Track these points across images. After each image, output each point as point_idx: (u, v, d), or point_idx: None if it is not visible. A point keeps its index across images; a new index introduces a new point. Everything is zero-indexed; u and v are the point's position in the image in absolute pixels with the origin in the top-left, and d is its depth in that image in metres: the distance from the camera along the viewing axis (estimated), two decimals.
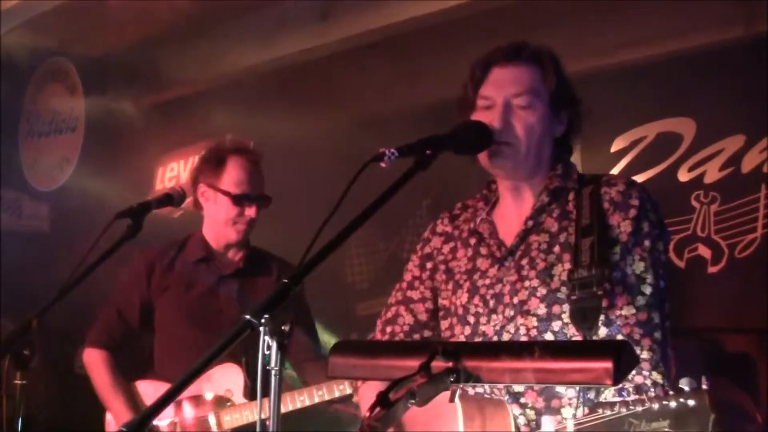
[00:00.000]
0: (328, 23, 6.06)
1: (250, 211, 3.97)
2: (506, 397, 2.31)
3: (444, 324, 2.58)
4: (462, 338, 2.47)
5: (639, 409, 1.39)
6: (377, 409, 1.59)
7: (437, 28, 5.70)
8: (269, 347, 1.81)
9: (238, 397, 3.91)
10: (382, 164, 2.18)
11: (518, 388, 2.30)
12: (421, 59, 5.77)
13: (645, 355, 2.18)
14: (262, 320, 1.80)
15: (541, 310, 2.34)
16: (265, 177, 4.10)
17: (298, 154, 6.07)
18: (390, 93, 5.96)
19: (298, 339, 4.03)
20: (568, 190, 2.47)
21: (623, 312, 2.23)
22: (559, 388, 2.25)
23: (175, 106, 7.37)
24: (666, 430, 1.35)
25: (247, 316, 1.81)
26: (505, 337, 2.34)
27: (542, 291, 2.34)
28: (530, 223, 2.46)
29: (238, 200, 3.96)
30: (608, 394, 2.17)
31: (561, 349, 1.38)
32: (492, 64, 2.53)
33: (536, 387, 2.26)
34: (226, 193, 3.97)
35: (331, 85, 6.16)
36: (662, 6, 4.87)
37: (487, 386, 2.33)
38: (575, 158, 5.42)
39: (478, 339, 2.41)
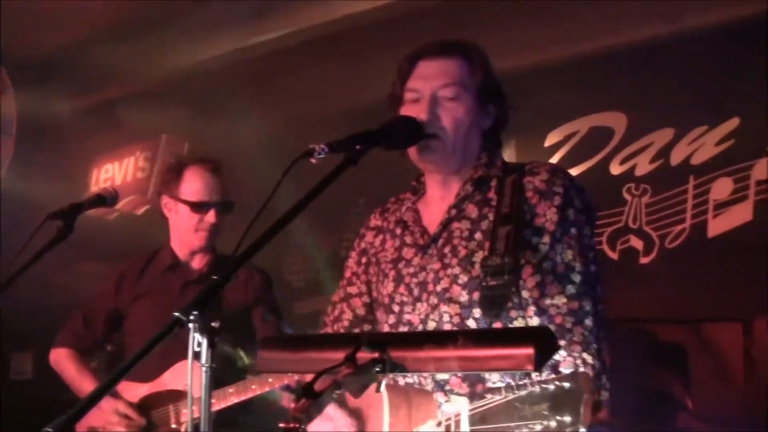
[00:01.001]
0: (263, 22, 6.04)
1: (210, 217, 4.05)
2: (431, 385, 2.32)
3: (377, 315, 2.60)
4: (387, 327, 2.48)
5: (523, 393, 1.42)
6: (302, 401, 1.61)
7: (373, 26, 5.72)
8: (200, 344, 1.80)
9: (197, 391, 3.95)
10: (313, 160, 2.18)
11: (443, 375, 2.31)
12: (358, 56, 5.78)
13: (576, 338, 2.20)
14: (191, 317, 1.80)
15: (463, 297, 2.34)
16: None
17: (235, 154, 6.05)
18: (327, 91, 5.96)
19: (266, 321, 4.12)
20: (491, 178, 2.48)
21: (554, 301, 2.25)
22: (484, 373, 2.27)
23: (110, 106, 7.28)
24: (545, 412, 1.38)
25: (176, 314, 1.81)
26: (430, 325, 2.35)
27: (464, 278, 2.35)
28: (453, 211, 2.47)
29: (197, 208, 4.05)
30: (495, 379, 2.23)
31: (484, 337, 1.40)
32: (419, 58, 2.53)
33: (459, 374, 2.27)
34: (185, 202, 4.07)
35: (266, 84, 6.15)
36: (593, 4, 4.96)
37: (415, 376, 2.34)
38: (510, 153, 5.53)
39: (403, 328, 2.43)
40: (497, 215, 2.35)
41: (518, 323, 2.29)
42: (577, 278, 2.28)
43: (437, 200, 2.55)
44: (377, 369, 1.56)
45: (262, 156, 5.80)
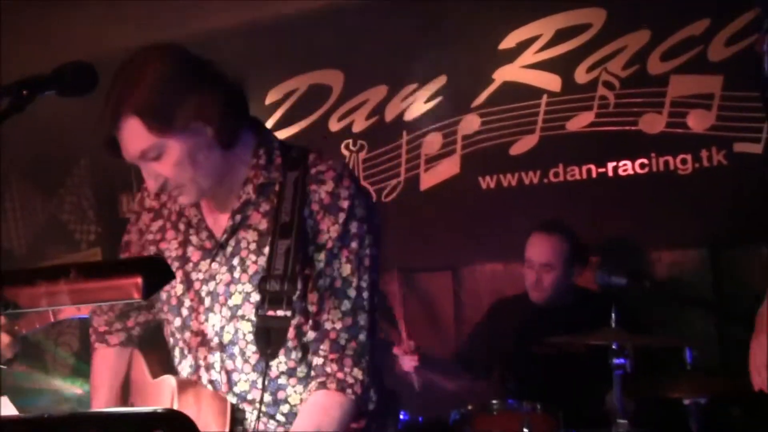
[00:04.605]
0: None
1: None
2: (233, 398, 2.27)
3: (157, 306, 2.43)
4: (173, 328, 2.35)
5: None
6: None
7: None
8: None
9: None
10: None
11: (243, 386, 2.26)
12: None
13: (348, 352, 2.16)
14: None
15: None
16: None
17: None
18: None
19: None
20: (273, 183, 2.26)
21: (330, 316, 2.18)
22: (281, 381, 2.24)
23: None
24: None
25: None
26: (226, 338, 2.25)
27: (256, 297, 2.21)
28: (238, 217, 2.27)
29: None
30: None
31: (95, 270, 1.38)
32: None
33: (258, 385, 2.22)
34: None
35: None
36: None
37: (217, 384, 2.29)
38: None
39: (189, 334, 2.32)
40: (276, 223, 2.20)
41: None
42: (352, 293, 2.20)
43: (218, 199, 2.31)
44: None
45: None
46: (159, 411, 1.14)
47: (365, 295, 2.22)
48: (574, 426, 3.58)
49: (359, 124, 5.07)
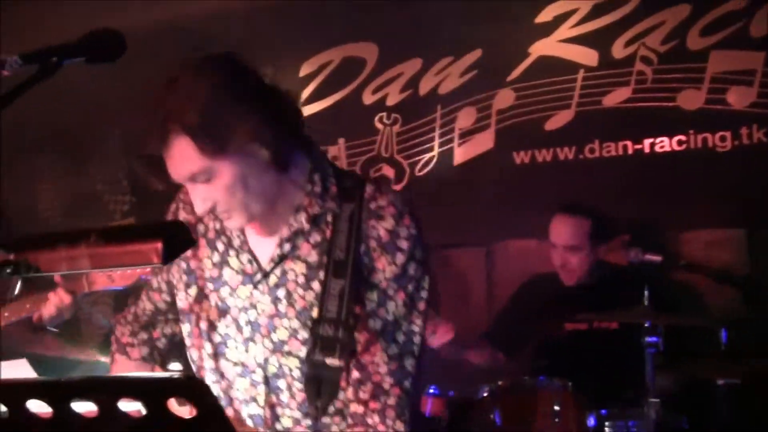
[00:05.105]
0: None
1: None
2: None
3: (185, 328, 2.30)
4: (205, 354, 2.24)
5: None
6: None
7: None
8: None
9: None
10: (5, 72, 1.95)
11: (286, 422, 2.17)
12: None
13: (391, 401, 2.06)
14: None
15: (303, 352, 2.11)
16: None
17: None
18: None
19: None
20: (327, 213, 2.12)
21: (375, 359, 2.07)
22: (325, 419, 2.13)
23: None
24: None
25: None
26: (271, 370, 2.15)
27: (304, 334, 2.10)
28: (287, 246, 2.13)
29: None
30: None
31: (115, 234, 1.37)
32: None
33: (302, 423, 2.14)
34: None
35: None
36: None
37: (257, 419, 2.19)
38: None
39: (228, 364, 2.21)
40: (328, 259, 2.08)
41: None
42: (402, 338, 2.10)
43: (265, 221, 2.16)
44: (8, 270, 1.47)
45: None
46: (175, 376, 1.13)
47: (416, 339, 2.11)
48: (604, 405, 3.55)
49: (393, 98, 5.03)
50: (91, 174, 5.92)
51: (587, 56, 4.55)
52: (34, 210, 6.09)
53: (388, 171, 5.04)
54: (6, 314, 3.48)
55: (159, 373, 1.33)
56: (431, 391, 3.88)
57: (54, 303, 3.39)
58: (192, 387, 1.14)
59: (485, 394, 3.66)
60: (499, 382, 3.67)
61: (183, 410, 1.15)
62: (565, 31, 4.59)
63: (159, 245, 1.30)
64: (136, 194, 5.64)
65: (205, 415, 1.13)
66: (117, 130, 5.75)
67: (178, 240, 1.35)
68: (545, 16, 4.64)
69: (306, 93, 5.23)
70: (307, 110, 5.25)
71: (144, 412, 1.14)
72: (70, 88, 5.09)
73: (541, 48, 4.65)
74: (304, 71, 5.25)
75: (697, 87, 4.31)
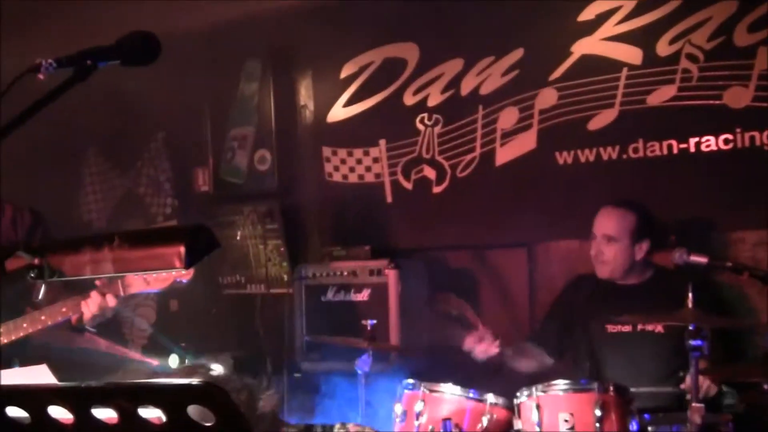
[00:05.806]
0: None
1: None
2: None
3: None
4: None
5: None
6: None
7: None
8: None
9: None
10: (41, 76, 1.98)
11: None
12: None
13: None
14: None
15: None
16: None
17: None
18: None
19: None
20: None
21: None
22: None
23: None
24: None
25: None
26: None
27: None
28: None
29: None
30: None
31: (138, 238, 1.36)
32: None
33: None
34: None
35: None
36: None
37: None
38: (306, 84, 5.49)
39: None
40: None
41: None
42: None
43: None
44: (32, 275, 1.47)
45: None
46: (194, 384, 1.12)
47: None
48: (646, 408, 3.48)
49: (434, 98, 5.00)
50: (134, 178, 5.97)
51: (631, 54, 4.47)
52: (78, 215, 6.17)
53: (430, 172, 5.01)
54: (42, 318, 3.55)
55: (179, 380, 1.32)
56: (471, 395, 3.83)
57: (97, 302, 3.45)
58: (212, 394, 1.13)
59: (525, 399, 3.60)
60: (540, 385, 3.61)
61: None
62: (608, 29, 4.52)
63: (181, 249, 1.30)
64: (178, 197, 5.67)
65: (224, 422, 1.12)
66: (161, 133, 5.80)
67: (201, 244, 1.34)
68: (588, 14, 4.58)
69: (347, 95, 5.22)
70: (348, 112, 5.25)
71: (164, 419, 1.13)
72: (115, 91, 5.16)
73: (583, 46, 4.59)
74: (345, 72, 5.24)
75: (745, 84, 4.22)
